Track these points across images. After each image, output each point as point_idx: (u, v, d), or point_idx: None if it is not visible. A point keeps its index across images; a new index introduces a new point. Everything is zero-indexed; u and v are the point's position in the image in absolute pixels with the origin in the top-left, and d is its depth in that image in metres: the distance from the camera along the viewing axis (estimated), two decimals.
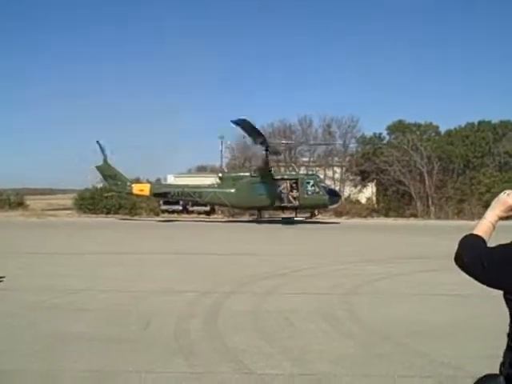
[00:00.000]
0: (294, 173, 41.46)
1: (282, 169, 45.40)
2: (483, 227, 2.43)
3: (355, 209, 44.25)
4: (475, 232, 2.42)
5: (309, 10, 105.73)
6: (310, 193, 35.58)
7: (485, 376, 2.39)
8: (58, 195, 66.14)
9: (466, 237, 2.43)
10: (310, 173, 42.15)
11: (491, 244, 2.39)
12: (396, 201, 47.25)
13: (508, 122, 49.56)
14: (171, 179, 51.03)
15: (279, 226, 33.89)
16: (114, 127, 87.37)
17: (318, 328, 8.06)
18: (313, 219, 36.94)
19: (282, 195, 36.03)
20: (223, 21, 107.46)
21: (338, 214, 40.88)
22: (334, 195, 37.02)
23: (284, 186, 36.50)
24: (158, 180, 50.10)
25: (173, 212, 44.33)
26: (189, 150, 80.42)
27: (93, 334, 7.61)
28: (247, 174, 37.30)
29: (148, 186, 40.30)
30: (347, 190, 48.55)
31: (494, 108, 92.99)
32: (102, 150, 38.96)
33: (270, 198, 35.60)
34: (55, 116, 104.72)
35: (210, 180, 45.05)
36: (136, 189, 39.38)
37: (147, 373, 5.92)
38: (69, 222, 36.74)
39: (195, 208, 44.32)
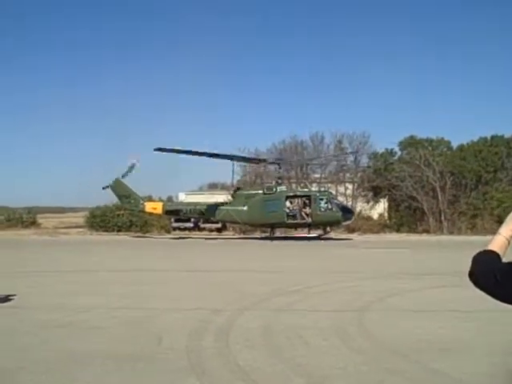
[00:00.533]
0: (306, 189, 41.51)
1: (294, 185, 45.34)
2: (498, 242, 2.40)
3: (367, 225, 44.09)
4: (489, 247, 2.39)
5: (320, 24, 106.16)
6: (323, 209, 35.43)
7: None
8: (69, 213, 66.57)
9: (479, 253, 2.39)
10: (323, 189, 42.09)
11: (506, 260, 2.35)
12: (408, 216, 47.06)
13: None
14: (182, 197, 51.20)
15: (292, 242, 33.83)
16: (127, 145, 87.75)
17: (330, 344, 7.99)
18: (326, 236, 36.81)
19: (295, 212, 35.95)
20: (229, 36, 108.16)
21: (351, 230, 40.73)
22: (347, 212, 36.91)
23: (297, 203, 36.43)
24: (170, 198, 50.30)
25: (184, 229, 44.45)
26: (200, 168, 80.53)
27: (105, 353, 7.58)
28: (260, 191, 37.29)
29: (161, 204, 40.52)
30: (359, 206, 48.42)
31: (507, 122, 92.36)
32: (130, 170, 38.90)
33: (282, 215, 35.52)
34: (65, 132, 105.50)
35: (221, 197, 45.17)
36: (149, 207, 39.59)
37: None
38: (81, 240, 36.87)
39: (206, 225, 44.41)
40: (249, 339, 8.28)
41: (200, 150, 36.10)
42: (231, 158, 38.82)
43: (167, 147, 34.57)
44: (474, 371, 6.64)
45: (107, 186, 39.42)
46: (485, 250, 2.38)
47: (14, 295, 12.23)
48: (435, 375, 6.56)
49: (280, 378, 6.44)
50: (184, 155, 36.58)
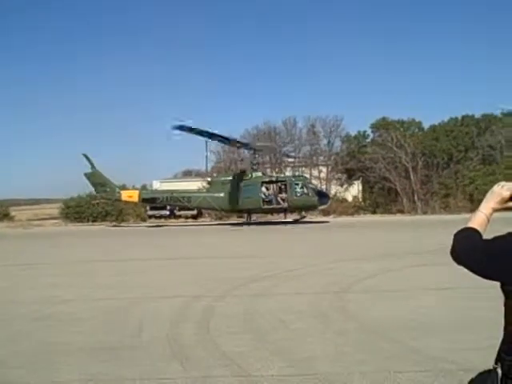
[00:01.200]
0: (282, 175, 41.67)
1: (268, 170, 45.47)
2: (478, 220, 2.44)
3: (342, 207, 44.43)
4: (470, 225, 2.43)
5: (292, 11, 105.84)
6: (298, 194, 35.65)
7: (480, 373, 2.40)
8: (43, 205, 65.76)
9: (460, 230, 2.43)
10: (298, 174, 42.28)
11: (486, 236, 2.40)
12: (382, 197, 47.58)
13: (491, 115, 50.10)
14: (157, 185, 51.02)
15: (269, 227, 33.98)
16: (99, 134, 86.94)
17: (311, 327, 8.09)
18: (301, 220, 37.05)
19: (271, 198, 36.08)
20: (211, 28, 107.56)
21: (326, 212, 41.01)
22: (323, 196, 37.22)
23: (272, 189, 36.55)
24: (144, 186, 50.04)
25: (160, 217, 44.36)
26: (174, 155, 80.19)
27: (87, 343, 7.57)
28: (235, 177, 37.30)
29: (137, 192, 40.34)
30: (333, 189, 48.78)
31: (477, 102, 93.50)
32: (90, 160, 38.94)
33: (258, 200, 35.67)
34: (40, 125, 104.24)
35: (195, 184, 45.11)
36: (125, 195, 39.41)
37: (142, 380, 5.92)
38: (57, 232, 36.50)
39: (182, 212, 44.38)
40: (230, 325, 8.33)
41: (214, 132, 34.98)
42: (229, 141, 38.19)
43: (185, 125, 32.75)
44: (454, 348, 6.76)
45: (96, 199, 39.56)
46: (466, 228, 2.42)
47: None
48: (415, 353, 6.67)
49: (262, 361, 6.50)
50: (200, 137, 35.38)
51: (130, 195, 39.59)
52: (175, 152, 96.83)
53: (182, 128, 32.47)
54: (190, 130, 33.10)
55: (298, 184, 36.11)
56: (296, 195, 35.58)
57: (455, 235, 2.42)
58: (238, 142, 38.98)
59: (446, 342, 7.01)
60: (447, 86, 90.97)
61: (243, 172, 37.12)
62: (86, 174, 39.18)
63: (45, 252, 22.20)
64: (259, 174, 37.62)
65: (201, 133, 34.44)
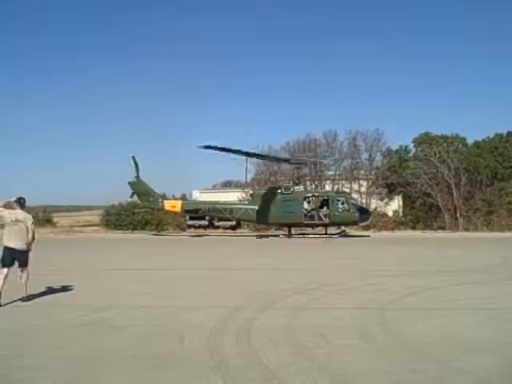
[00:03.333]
0: (323, 190, 41.68)
1: (308, 183, 45.31)
2: None
3: (382, 221, 43.98)
4: None
5: (330, 26, 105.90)
6: (340, 210, 35.55)
7: None
8: (84, 212, 66.81)
9: None
10: (341, 190, 42.19)
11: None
12: (423, 213, 46.89)
13: None
14: (196, 195, 51.44)
15: (310, 240, 33.82)
16: (141, 142, 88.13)
17: (353, 343, 7.95)
18: (343, 234, 36.86)
19: (313, 213, 35.99)
20: (238, 42, 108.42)
21: (366, 227, 40.66)
22: (364, 212, 37.08)
23: (314, 204, 36.48)
24: (184, 196, 50.47)
25: (199, 227, 44.64)
26: (214, 165, 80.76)
27: (128, 351, 7.60)
28: (278, 190, 37.30)
29: (180, 202, 40.75)
30: (373, 203, 48.32)
31: None
32: (137, 165, 39.26)
33: (300, 215, 35.66)
34: (80, 133, 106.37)
35: (235, 195, 45.33)
36: (168, 205, 39.81)
37: None
38: (99, 238, 37.01)
39: (221, 223, 44.62)
40: (271, 338, 8.26)
41: (242, 149, 35.98)
42: (264, 157, 39.28)
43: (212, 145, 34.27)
44: (499, 369, 6.58)
45: (132, 194, 39.74)
46: None
47: (36, 293, 12.32)
48: (459, 374, 6.50)
49: (304, 376, 6.41)
50: (224, 153, 36.18)
51: (173, 205, 39.97)
52: (215, 162, 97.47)
53: (208, 147, 33.59)
54: (216, 148, 34.21)
55: (339, 200, 35.97)
56: (338, 211, 35.46)
57: None
58: (271, 157, 39.56)
59: (489, 363, 6.82)
60: (492, 102, 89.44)
61: (287, 187, 37.09)
62: (129, 183, 39.65)
63: (88, 258, 22.51)
64: (301, 188, 37.58)
65: (229, 150, 35.34)
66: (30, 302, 11.66)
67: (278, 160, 43.11)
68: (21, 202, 12.01)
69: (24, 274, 11.73)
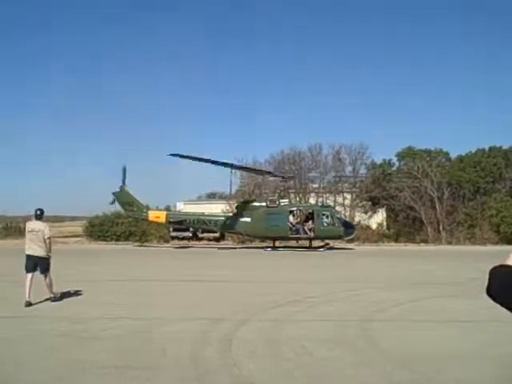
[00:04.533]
0: (309, 203, 41.87)
1: (292, 195, 45.44)
2: None
3: (365, 234, 44.15)
4: (508, 262, 2.32)
5: (313, 36, 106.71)
6: (325, 224, 35.71)
7: None
8: (66, 222, 66.40)
9: (498, 266, 2.32)
10: (326, 204, 42.35)
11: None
12: (407, 226, 47.17)
13: None
14: (180, 206, 51.30)
15: (293, 253, 33.86)
16: (124, 153, 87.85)
17: (335, 356, 7.99)
18: (326, 246, 36.97)
19: (298, 227, 36.11)
20: (228, 48, 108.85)
21: (349, 239, 40.74)
22: (349, 227, 37.22)
23: (299, 218, 36.57)
24: (168, 207, 50.26)
25: (183, 238, 44.50)
26: (198, 177, 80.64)
27: (110, 363, 7.57)
28: (263, 203, 37.36)
29: (164, 213, 40.60)
30: (357, 216, 48.54)
31: (505, 134, 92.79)
32: (124, 176, 39.15)
33: (285, 229, 35.76)
34: (63, 143, 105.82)
35: (219, 207, 45.30)
36: (152, 216, 39.65)
37: None
38: (83, 250, 36.74)
39: (205, 234, 44.53)
40: (253, 350, 8.28)
41: (216, 159, 36.45)
42: (241, 168, 39.70)
43: (182, 153, 35.48)
44: (480, 381, 6.65)
45: (113, 201, 39.49)
46: (503, 264, 2.32)
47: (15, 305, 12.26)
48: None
49: None
50: (196, 162, 36.94)
51: (157, 216, 39.83)
52: (199, 174, 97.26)
53: (175, 155, 35.17)
54: (183, 156, 35.59)
55: (325, 214, 36.15)
56: (323, 225, 35.62)
57: (491, 272, 2.31)
58: (240, 167, 40.36)
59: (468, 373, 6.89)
60: (474, 116, 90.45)
61: (272, 200, 37.17)
62: (114, 193, 39.43)
63: (70, 269, 22.34)
64: (286, 201, 37.69)
65: (195, 159, 36.42)
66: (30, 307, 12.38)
67: (248, 170, 43.99)
68: (37, 214, 13.36)
69: (47, 279, 13.07)
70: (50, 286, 13.13)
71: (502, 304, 2.23)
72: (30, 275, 12.84)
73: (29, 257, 13.03)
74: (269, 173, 42.11)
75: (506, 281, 2.23)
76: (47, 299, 13.11)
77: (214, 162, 36.63)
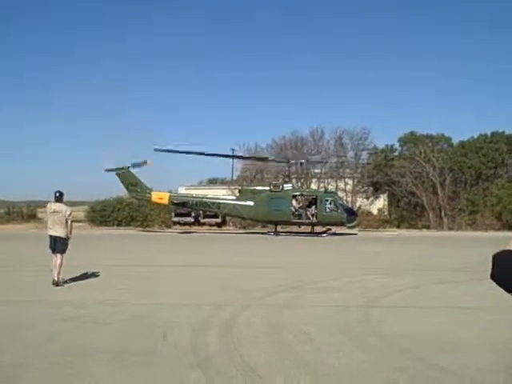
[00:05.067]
0: (312, 189, 41.87)
1: (294, 180, 45.43)
2: None
3: (367, 220, 44.14)
4: (510, 248, 2.29)
5: (318, 24, 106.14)
6: (328, 210, 35.75)
7: None
8: (71, 207, 65.99)
9: (502, 252, 2.29)
10: (329, 190, 42.31)
11: None
12: (408, 212, 47.16)
13: None
14: (182, 191, 51.25)
15: (296, 238, 33.89)
16: (128, 138, 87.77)
17: (336, 341, 7.99)
18: (329, 232, 36.98)
19: (301, 212, 36.12)
20: (232, 38, 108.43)
21: (351, 226, 40.74)
22: (351, 214, 37.26)
23: (302, 203, 36.56)
24: (170, 192, 50.27)
25: (184, 224, 44.51)
26: (201, 163, 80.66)
27: (110, 348, 7.58)
28: (266, 188, 37.41)
29: (167, 194, 40.61)
30: (359, 202, 48.53)
31: (507, 119, 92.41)
32: (141, 164, 39.20)
33: (288, 213, 35.80)
34: (67, 129, 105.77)
35: (220, 192, 45.35)
36: (155, 197, 39.71)
37: None
38: (87, 235, 36.76)
39: (207, 220, 44.55)
40: (254, 335, 8.28)
41: (197, 150, 37.37)
42: (231, 156, 40.03)
43: (166, 147, 37.40)
44: (478, 368, 6.65)
45: (113, 169, 39.21)
46: (505, 250, 2.29)
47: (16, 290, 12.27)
48: (440, 372, 6.56)
49: (285, 373, 6.44)
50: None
51: (161, 197, 39.89)
52: (201, 159, 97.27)
53: (158, 150, 37.07)
54: (168, 151, 37.44)
55: (328, 200, 36.17)
56: (325, 211, 35.66)
57: (494, 257, 2.27)
58: (235, 156, 41.24)
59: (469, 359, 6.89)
60: (477, 101, 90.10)
61: (275, 184, 37.28)
62: (118, 174, 39.40)
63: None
64: (290, 186, 37.66)
65: (182, 152, 38.29)
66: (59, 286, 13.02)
67: (243, 158, 44.91)
68: (56, 195, 13.74)
69: (58, 260, 13.29)
70: (60, 267, 13.33)
71: (505, 289, 2.21)
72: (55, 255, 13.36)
73: (50, 237, 13.53)
74: (267, 159, 42.67)
75: (509, 265, 2.21)
76: (54, 283, 13.14)
77: (204, 154, 37.27)
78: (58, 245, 13.43)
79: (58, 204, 13.64)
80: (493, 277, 2.25)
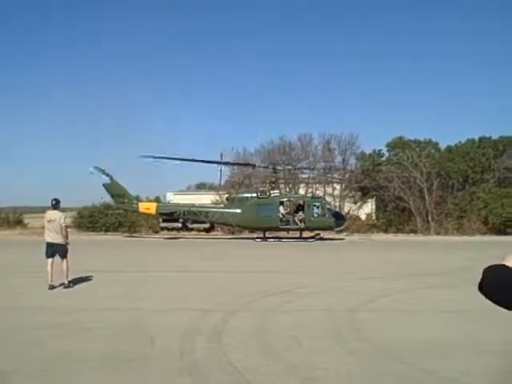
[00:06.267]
0: (299, 194, 41.93)
1: (282, 185, 45.45)
2: None
3: (355, 225, 44.23)
4: (502, 263, 2.31)
5: (305, 27, 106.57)
6: (316, 215, 35.70)
7: None
8: None
9: (493, 265, 2.32)
10: (316, 195, 42.38)
11: None
12: (396, 217, 47.30)
13: (508, 137, 49.76)
14: (170, 197, 51.13)
15: (284, 243, 33.93)
16: (114, 144, 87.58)
17: (323, 345, 8.02)
18: (317, 237, 37.00)
19: (288, 218, 36.10)
20: (221, 40, 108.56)
21: (339, 230, 40.80)
22: (339, 218, 37.23)
23: (290, 209, 36.53)
24: (158, 198, 50.10)
25: (172, 229, 44.32)
26: (188, 168, 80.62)
27: (98, 353, 7.56)
28: (254, 194, 37.37)
29: (154, 205, 40.47)
30: (347, 206, 48.64)
31: (494, 124, 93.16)
32: (104, 172, 38.85)
33: (275, 220, 35.81)
34: (54, 133, 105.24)
35: (208, 197, 45.31)
36: (142, 207, 39.57)
37: None
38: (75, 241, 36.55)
39: (195, 225, 44.36)
40: (242, 340, 8.29)
41: (185, 157, 37.82)
42: (217, 163, 40.18)
43: (154, 154, 37.11)
44: (462, 371, 6.70)
45: (97, 171, 39.02)
46: (496, 264, 2.30)
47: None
48: (428, 375, 6.60)
49: (274, 378, 6.45)
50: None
51: (148, 207, 39.75)
52: (191, 165, 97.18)
53: (148, 157, 37.07)
54: (154, 157, 37.35)
55: (315, 205, 36.14)
56: (313, 216, 35.63)
57: (485, 271, 2.30)
58: (220, 162, 41.67)
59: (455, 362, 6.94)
60: (464, 107, 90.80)
61: (262, 191, 37.24)
62: (104, 185, 39.22)
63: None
64: (277, 192, 37.64)
65: (168, 158, 38.55)
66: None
67: (230, 164, 45.59)
68: (52, 203, 14.43)
69: (64, 264, 14.02)
70: (67, 271, 14.06)
71: (492, 300, 2.24)
72: (49, 261, 13.94)
73: (48, 244, 14.14)
74: (254, 166, 42.73)
75: (497, 278, 2.24)
76: (61, 284, 13.99)
77: (193, 161, 37.46)
78: (59, 251, 14.13)
79: (52, 212, 14.28)
80: (480, 289, 2.28)
